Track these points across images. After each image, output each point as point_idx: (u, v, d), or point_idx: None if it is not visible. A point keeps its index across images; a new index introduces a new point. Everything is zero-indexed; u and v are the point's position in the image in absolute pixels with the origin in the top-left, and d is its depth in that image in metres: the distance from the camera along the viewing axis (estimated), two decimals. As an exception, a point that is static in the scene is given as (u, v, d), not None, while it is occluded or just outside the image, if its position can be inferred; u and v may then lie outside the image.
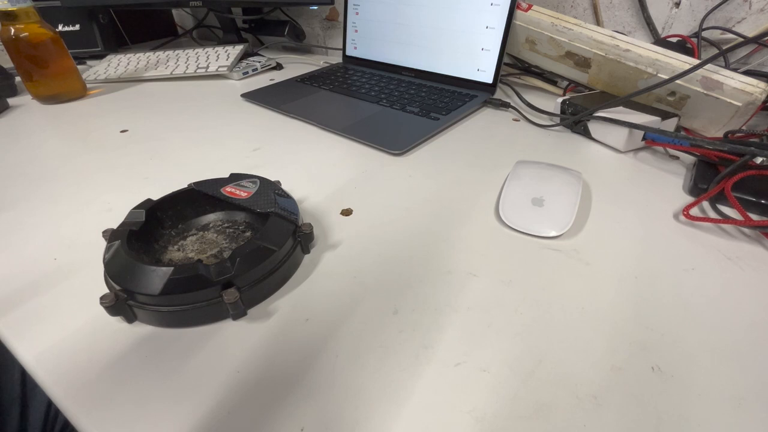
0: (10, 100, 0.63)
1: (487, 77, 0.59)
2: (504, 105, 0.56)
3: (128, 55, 0.79)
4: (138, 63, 0.76)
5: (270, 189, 0.31)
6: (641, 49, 0.48)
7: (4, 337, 0.24)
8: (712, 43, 0.54)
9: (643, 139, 0.43)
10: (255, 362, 0.23)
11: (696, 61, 0.46)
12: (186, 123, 0.54)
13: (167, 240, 0.31)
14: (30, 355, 0.23)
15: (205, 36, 1.09)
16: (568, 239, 0.32)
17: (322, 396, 0.21)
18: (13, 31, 0.56)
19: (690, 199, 0.36)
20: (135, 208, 0.30)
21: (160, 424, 0.20)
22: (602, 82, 0.54)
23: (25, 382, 0.42)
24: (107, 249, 0.26)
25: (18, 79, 0.67)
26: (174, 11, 1.11)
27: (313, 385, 0.21)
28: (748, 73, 0.49)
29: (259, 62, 0.77)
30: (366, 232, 0.33)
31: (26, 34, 0.56)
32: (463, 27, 0.59)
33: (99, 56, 0.84)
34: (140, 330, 0.25)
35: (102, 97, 0.65)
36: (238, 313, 0.25)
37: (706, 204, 0.36)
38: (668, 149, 0.45)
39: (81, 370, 0.22)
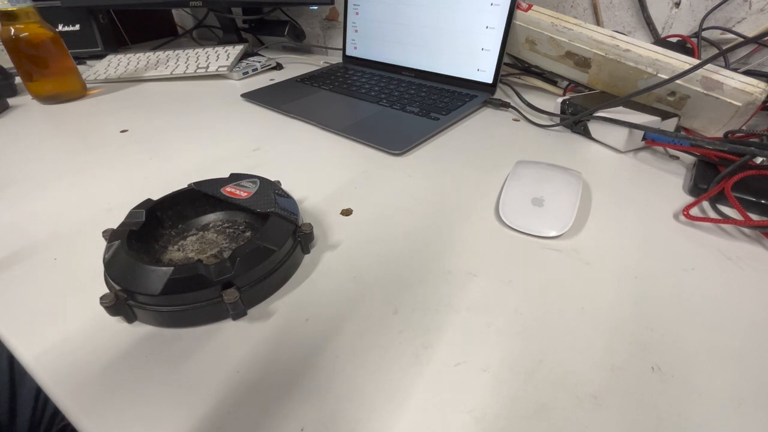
0: (10, 100, 0.63)
1: (487, 77, 0.59)
2: (504, 105, 0.56)
3: (128, 55, 0.79)
4: (138, 63, 0.76)
5: (270, 189, 0.31)
6: (641, 49, 0.48)
7: (4, 337, 0.24)
8: (712, 43, 0.54)
9: (643, 139, 0.43)
10: (255, 362, 0.23)
11: (696, 61, 0.46)
12: (186, 123, 0.54)
13: (167, 240, 0.31)
14: (30, 355, 0.23)
15: (205, 36, 1.09)
16: (568, 239, 0.32)
17: (322, 396, 0.21)
18: (13, 31, 0.56)
19: (690, 199, 0.36)
20: (135, 208, 0.30)
21: (160, 424, 0.20)
22: (602, 82, 0.54)
23: (13, 369, 0.42)
24: (107, 249, 0.26)
25: (18, 79, 0.67)
26: (174, 11, 1.11)
27: (313, 385, 0.21)
28: (748, 73, 0.49)
29: (259, 62, 0.77)
30: (366, 232, 0.33)
31: (26, 34, 0.56)
32: (463, 27, 0.59)
33: (99, 56, 0.84)
34: (140, 330, 0.25)
35: (102, 97, 0.65)
36: (238, 313, 0.25)
37: (706, 204, 0.36)
38: (668, 149, 0.45)
39: (81, 370, 0.22)
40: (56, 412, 0.43)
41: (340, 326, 0.25)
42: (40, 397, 0.42)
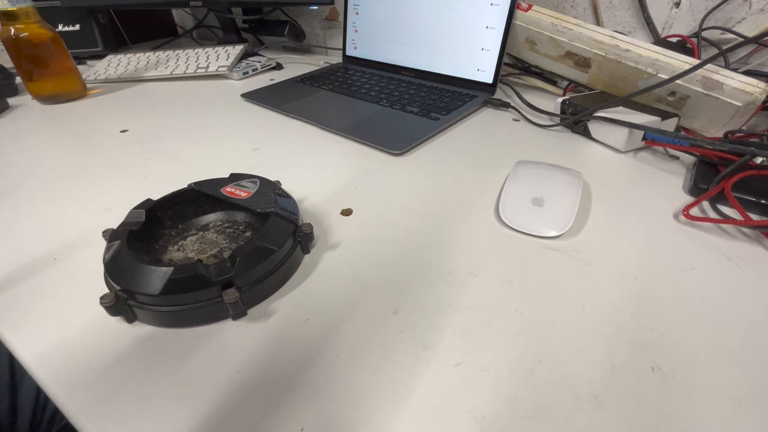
0: (10, 100, 0.63)
1: (487, 77, 0.59)
2: (504, 105, 0.56)
3: (128, 55, 0.79)
4: (138, 63, 0.76)
5: (270, 189, 0.31)
6: (641, 49, 0.48)
7: (4, 337, 0.24)
8: (712, 43, 0.54)
9: (643, 139, 0.43)
10: (255, 362, 0.23)
11: (696, 61, 0.46)
12: (186, 123, 0.54)
13: (167, 240, 0.31)
14: (30, 355, 0.23)
15: (205, 36, 1.09)
16: (568, 239, 0.32)
17: (322, 396, 0.21)
18: (13, 31, 0.56)
19: (690, 199, 0.36)
20: (135, 208, 0.30)
21: (160, 424, 0.20)
22: (602, 82, 0.54)
23: (14, 369, 0.42)
24: (107, 249, 0.26)
25: (18, 79, 0.67)
26: (174, 11, 1.11)
27: (313, 385, 0.21)
28: (748, 73, 0.49)
29: (259, 62, 0.77)
30: (366, 232, 0.33)
31: (26, 34, 0.56)
32: (463, 27, 0.59)
33: (99, 56, 0.84)
34: (140, 330, 0.25)
35: (102, 97, 0.65)
36: (238, 313, 0.25)
37: (706, 204, 0.36)
38: (668, 149, 0.45)
39: (81, 370, 0.22)
40: (56, 412, 0.43)
41: (340, 326, 0.25)
42: (40, 397, 0.42)
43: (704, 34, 0.54)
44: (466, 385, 0.21)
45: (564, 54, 0.55)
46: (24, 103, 0.63)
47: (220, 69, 0.72)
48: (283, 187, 0.33)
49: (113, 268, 0.25)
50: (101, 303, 0.23)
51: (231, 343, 0.24)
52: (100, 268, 0.28)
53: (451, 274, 0.28)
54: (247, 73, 0.74)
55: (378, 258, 0.30)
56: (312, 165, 0.43)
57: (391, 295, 0.27)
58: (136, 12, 1.00)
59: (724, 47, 0.53)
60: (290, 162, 0.43)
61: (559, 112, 0.51)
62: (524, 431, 0.19)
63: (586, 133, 0.48)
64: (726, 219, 0.32)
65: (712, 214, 0.34)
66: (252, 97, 0.61)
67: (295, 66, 0.81)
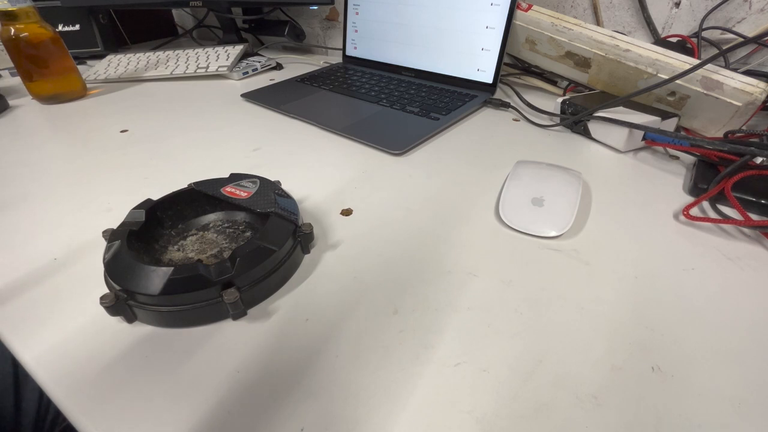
0: (10, 100, 0.63)
1: (487, 77, 0.59)
2: (504, 105, 0.56)
3: (128, 55, 0.79)
4: (138, 63, 0.76)
5: (270, 189, 0.31)
6: (641, 49, 0.48)
7: (4, 337, 0.24)
8: (712, 43, 0.54)
9: (643, 139, 0.43)
10: (255, 362, 0.23)
11: (696, 61, 0.46)
12: (186, 123, 0.54)
13: (167, 240, 0.31)
14: (30, 355, 0.23)
15: (205, 36, 1.09)
16: (568, 239, 0.32)
17: (322, 396, 0.21)
18: (13, 31, 0.56)
19: (690, 199, 0.36)
20: (135, 208, 0.30)
21: (161, 424, 0.20)
22: (602, 82, 0.54)
23: (18, 369, 0.42)
24: (107, 249, 0.26)
25: (9, 81, 0.66)
26: (174, 11, 1.11)
27: (313, 385, 0.21)
28: (748, 73, 0.49)
29: (259, 62, 0.77)
30: (366, 232, 0.33)
31: (26, 34, 0.56)
32: (463, 27, 0.59)
33: (99, 56, 0.84)
34: (140, 330, 0.25)
35: (102, 97, 0.65)
36: (238, 313, 0.25)
37: (706, 204, 0.36)
38: (668, 149, 0.45)
39: (81, 371, 0.22)
40: (59, 412, 0.43)
41: (340, 326, 0.25)
42: (43, 398, 0.42)
43: (704, 34, 0.54)
44: (466, 385, 0.21)
45: (564, 54, 0.55)
46: (24, 103, 0.63)
47: (220, 69, 0.72)
48: (283, 187, 0.33)
49: (113, 268, 0.25)
50: (101, 303, 0.23)
51: (231, 343, 0.24)
52: (100, 268, 0.28)
53: (451, 274, 0.28)
54: (247, 73, 0.74)
55: (378, 258, 0.30)
56: (312, 165, 0.43)
57: (391, 295, 0.27)
58: (136, 12, 1.00)
59: (724, 47, 0.53)
60: (290, 162, 0.43)
61: (559, 112, 0.51)
62: (524, 431, 0.19)
63: (586, 133, 0.48)
64: (726, 219, 0.32)
65: (712, 214, 0.34)
66: (252, 97, 0.61)
67: (295, 66, 0.81)
